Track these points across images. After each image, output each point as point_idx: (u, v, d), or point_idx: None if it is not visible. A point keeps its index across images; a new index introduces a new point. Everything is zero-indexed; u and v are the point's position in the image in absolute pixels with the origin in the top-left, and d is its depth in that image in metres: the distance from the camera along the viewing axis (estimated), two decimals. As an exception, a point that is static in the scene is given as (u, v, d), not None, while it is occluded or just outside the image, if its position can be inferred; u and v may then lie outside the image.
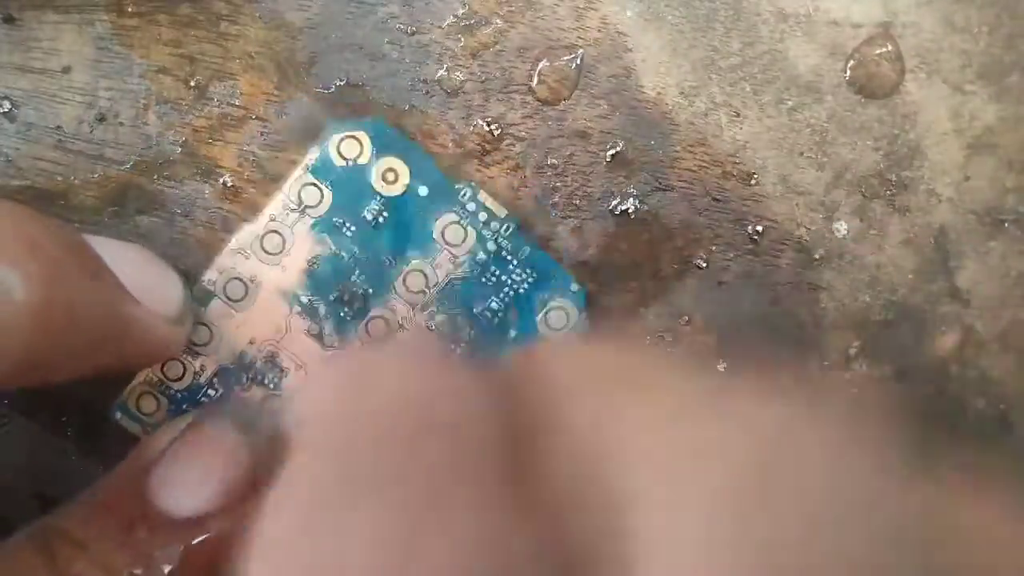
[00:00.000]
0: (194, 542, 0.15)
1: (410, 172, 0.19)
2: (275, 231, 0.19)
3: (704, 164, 0.19)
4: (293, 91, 0.19)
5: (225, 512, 0.16)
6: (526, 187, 0.19)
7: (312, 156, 0.19)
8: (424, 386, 0.11)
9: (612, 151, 0.19)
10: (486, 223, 0.19)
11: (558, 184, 0.19)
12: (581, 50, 0.19)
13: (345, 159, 0.19)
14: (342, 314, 0.19)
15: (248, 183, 0.19)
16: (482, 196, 0.19)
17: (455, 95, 0.19)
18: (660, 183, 0.19)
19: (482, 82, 0.19)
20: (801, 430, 0.11)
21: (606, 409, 0.11)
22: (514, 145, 0.19)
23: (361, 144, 0.19)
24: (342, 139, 0.19)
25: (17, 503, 0.20)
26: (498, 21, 0.19)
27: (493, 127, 0.19)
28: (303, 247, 0.19)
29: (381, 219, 0.19)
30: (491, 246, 0.19)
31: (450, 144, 0.19)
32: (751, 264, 0.19)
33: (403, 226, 0.19)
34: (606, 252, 0.19)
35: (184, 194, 0.19)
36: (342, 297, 0.19)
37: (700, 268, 0.19)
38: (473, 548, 0.10)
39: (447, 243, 0.19)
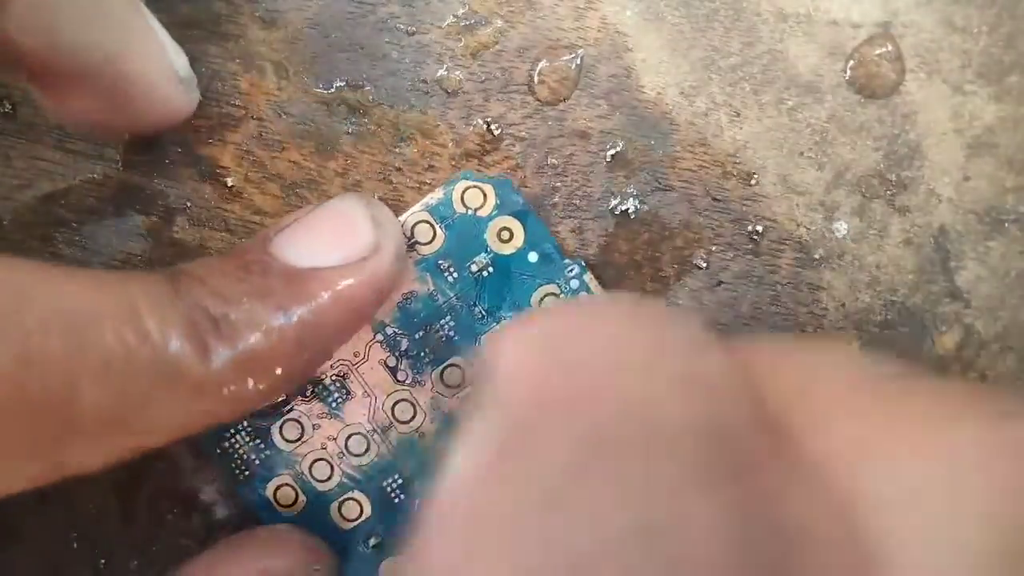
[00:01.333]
0: (302, 305, 0.16)
1: (525, 236, 0.19)
2: None
3: (704, 164, 0.19)
4: (293, 91, 0.19)
5: (340, 277, 0.16)
6: (526, 187, 0.19)
7: (435, 196, 0.19)
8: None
9: (612, 151, 0.19)
10: None
11: (558, 184, 0.19)
12: (581, 50, 0.19)
13: (467, 207, 0.19)
14: (422, 354, 0.19)
15: (248, 183, 0.19)
16: (588, 277, 0.19)
17: (455, 95, 0.19)
18: (660, 183, 0.19)
19: (482, 82, 0.19)
20: None
21: (859, 440, 0.11)
22: (514, 145, 0.19)
23: (485, 197, 0.19)
24: (468, 187, 0.19)
25: (17, 503, 0.20)
26: (498, 21, 0.19)
27: (493, 127, 0.19)
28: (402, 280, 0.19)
29: (485, 273, 0.19)
30: None
31: (450, 144, 0.19)
32: (751, 264, 0.19)
33: (504, 285, 0.19)
34: (606, 252, 0.19)
35: (184, 194, 0.19)
36: (427, 338, 0.19)
37: (700, 268, 0.19)
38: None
39: None
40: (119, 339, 0.13)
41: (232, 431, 0.19)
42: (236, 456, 0.19)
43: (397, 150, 0.19)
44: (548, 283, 0.19)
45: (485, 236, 0.19)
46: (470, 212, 0.19)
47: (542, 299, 0.19)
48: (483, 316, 0.19)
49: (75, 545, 0.20)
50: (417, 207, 0.19)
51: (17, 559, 0.20)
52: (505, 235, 0.19)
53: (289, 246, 0.16)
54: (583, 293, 0.19)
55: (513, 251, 0.19)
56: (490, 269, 0.19)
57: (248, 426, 0.19)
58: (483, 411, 0.11)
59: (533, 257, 0.19)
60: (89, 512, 0.20)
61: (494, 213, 0.19)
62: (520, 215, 0.19)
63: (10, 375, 0.12)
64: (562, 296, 0.19)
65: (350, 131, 0.19)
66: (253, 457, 0.19)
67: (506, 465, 0.11)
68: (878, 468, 0.10)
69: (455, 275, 0.19)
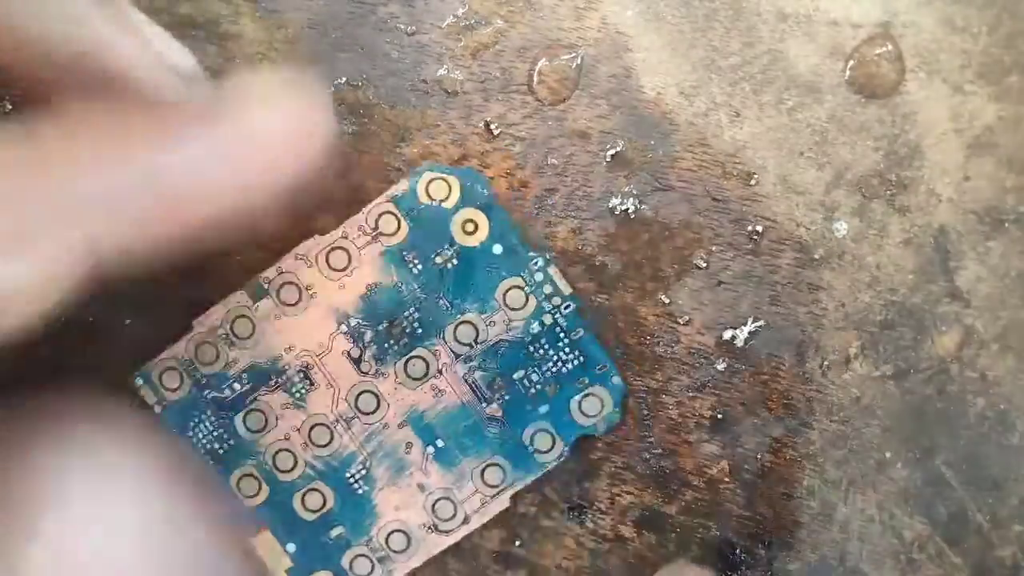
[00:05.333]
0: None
1: (490, 228, 0.19)
2: (343, 248, 0.19)
3: (704, 164, 0.19)
4: (293, 91, 0.19)
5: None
6: (526, 187, 0.19)
7: (400, 187, 0.19)
8: None
9: (612, 151, 0.19)
10: (549, 296, 0.19)
11: (558, 184, 0.19)
12: (581, 50, 0.19)
13: (431, 198, 0.19)
14: (386, 345, 0.19)
15: (248, 183, 0.19)
16: (552, 270, 0.19)
17: (455, 95, 0.19)
18: (660, 183, 0.19)
19: (482, 82, 0.19)
20: None
21: None
22: (514, 145, 0.19)
23: (450, 188, 0.19)
24: (433, 179, 0.19)
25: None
26: (498, 21, 0.19)
27: (493, 127, 0.19)
28: (367, 271, 0.19)
29: (450, 265, 0.19)
30: (547, 319, 0.19)
31: (450, 144, 0.19)
32: (751, 264, 0.19)
33: (469, 277, 0.19)
34: (606, 252, 0.19)
35: (184, 194, 0.19)
36: (391, 329, 0.19)
37: (700, 268, 0.19)
38: None
39: (506, 305, 0.19)
40: None
41: (196, 419, 0.19)
42: (200, 445, 0.19)
43: (397, 150, 0.19)
44: (513, 276, 0.19)
45: (450, 228, 0.19)
46: (435, 203, 0.19)
47: (507, 292, 0.19)
48: (448, 308, 0.19)
49: (75, 545, 0.20)
50: (381, 198, 0.19)
51: (17, 559, 0.20)
52: (470, 227, 0.19)
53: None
54: (547, 287, 0.19)
55: (478, 243, 0.19)
56: (454, 261, 0.19)
57: (212, 416, 0.19)
58: None
59: (498, 249, 0.19)
60: (89, 512, 0.20)
61: (459, 205, 0.19)
62: (485, 207, 0.19)
63: None
64: (527, 290, 0.19)
65: (350, 131, 0.19)
66: (217, 447, 0.19)
67: None
68: None
69: (419, 267, 0.19)
